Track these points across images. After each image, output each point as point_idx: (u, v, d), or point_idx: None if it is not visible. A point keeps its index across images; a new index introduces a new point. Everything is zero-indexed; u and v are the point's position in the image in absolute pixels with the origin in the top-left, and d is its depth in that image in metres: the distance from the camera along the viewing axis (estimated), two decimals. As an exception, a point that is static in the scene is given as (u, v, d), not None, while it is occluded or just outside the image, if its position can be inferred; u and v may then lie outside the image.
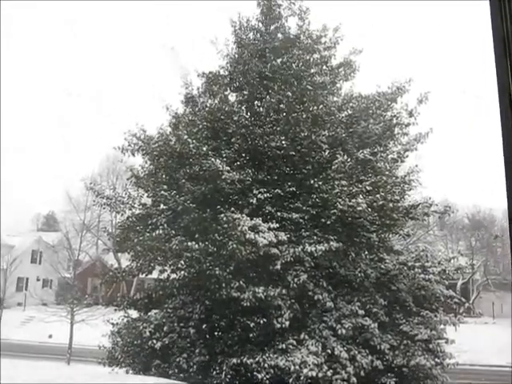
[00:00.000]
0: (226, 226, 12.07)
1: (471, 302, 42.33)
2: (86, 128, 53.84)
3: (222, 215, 12.25)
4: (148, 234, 12.92)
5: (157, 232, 12.71)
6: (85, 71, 58.98)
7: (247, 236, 11.76)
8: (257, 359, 11.90)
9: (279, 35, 15.38)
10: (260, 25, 15.46)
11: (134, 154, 14.38)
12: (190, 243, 12.24)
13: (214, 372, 12.59)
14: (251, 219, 12.10)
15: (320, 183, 13.04)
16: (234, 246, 11.91)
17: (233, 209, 12.54)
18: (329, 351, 12.13)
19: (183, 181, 13.31)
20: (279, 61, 14.77)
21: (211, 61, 15.14)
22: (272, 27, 15.39)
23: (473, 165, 51.37)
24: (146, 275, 14.54)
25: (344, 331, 12.30)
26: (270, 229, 12.10)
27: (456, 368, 13.91)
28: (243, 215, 12.21)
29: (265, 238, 11.82)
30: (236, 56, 15.00)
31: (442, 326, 13.76)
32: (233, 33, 15.30)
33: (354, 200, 12.36)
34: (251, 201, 13.05)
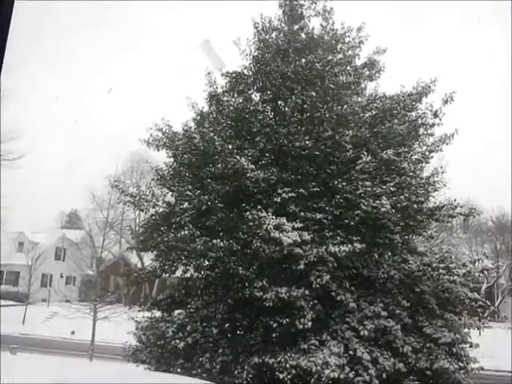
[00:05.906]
0: (251, 224, 12.08)
1: (496, 305, 41.75)
2: (111, 125, 54.32)
3: (248, 213, 12.25)
4: (172, 235, 12.96)
5: (182, 233, 12.69)
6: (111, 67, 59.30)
7: (272, 234, 11.74)
8: (279, 359, 11.87)
9: (302, 35, 15.23)
10: (283, 25, 15.36)
11: (158, 149, 14.46)
12: (214, 241, 12.26)
13: (236, 371, 12.61)
14: (276, 218, 12.08)
15: (344, 183, 12.97)
16: (259, 244, 11.91)
17: (259, 207, 12.54)
18: (351, 352, 12.04)
19: (208, 179, 13.35)
20: (303, 61, 14.70)
21: (234, 60, 15.12)
22: (295, 27, 15.30)
23: (498, 167, 50.59)
24: (169, 275, 14.58)
25: (366, 332, 12.21)
26: (294, 228, 12.05)
27: (480, 373, 13.73)
28: (269, 214, 12.19)
29: (289, 238, 11.78)
30: (259, 56, 14.94)
31: (466, 330, 13.62)
32: (255, 34, 15.19)
33: (377, 201, 12.28)
34: (275, 199, 13.00)
